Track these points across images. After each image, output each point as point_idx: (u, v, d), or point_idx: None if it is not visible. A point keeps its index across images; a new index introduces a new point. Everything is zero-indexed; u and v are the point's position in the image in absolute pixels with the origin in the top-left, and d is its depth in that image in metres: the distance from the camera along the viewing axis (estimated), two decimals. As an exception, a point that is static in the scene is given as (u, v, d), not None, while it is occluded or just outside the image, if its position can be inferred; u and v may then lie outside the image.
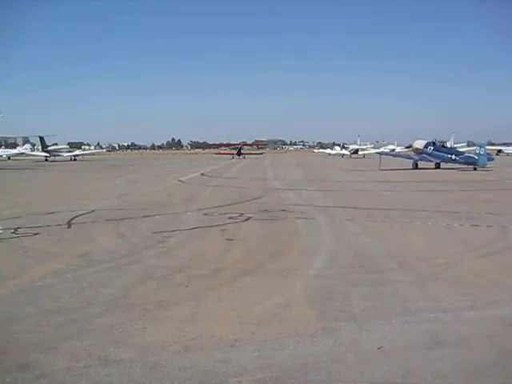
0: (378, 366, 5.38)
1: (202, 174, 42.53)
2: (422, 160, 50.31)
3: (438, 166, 49.53)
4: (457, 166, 47.60)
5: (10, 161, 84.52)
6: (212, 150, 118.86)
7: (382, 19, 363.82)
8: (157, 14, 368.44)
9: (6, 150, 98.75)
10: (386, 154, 66.32)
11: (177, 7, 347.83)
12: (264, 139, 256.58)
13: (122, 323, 6.68)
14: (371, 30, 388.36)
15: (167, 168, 55.24)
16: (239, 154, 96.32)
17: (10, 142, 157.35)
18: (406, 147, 70.74)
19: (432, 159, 50.21)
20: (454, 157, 49.06)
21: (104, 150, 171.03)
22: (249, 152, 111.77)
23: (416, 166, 49.31)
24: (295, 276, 9.03)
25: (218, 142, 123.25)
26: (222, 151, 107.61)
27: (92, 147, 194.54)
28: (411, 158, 51.87)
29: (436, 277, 8.90)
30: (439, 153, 50.37)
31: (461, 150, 58.31)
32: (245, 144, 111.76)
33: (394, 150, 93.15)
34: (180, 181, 34.77)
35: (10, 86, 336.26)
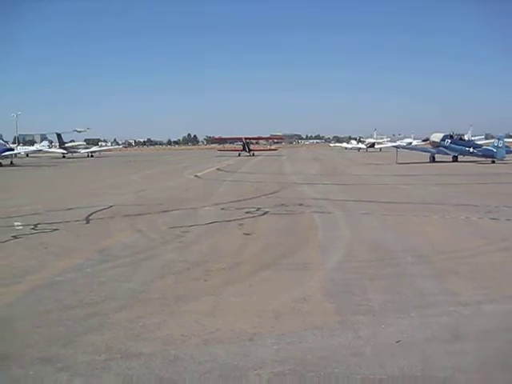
0: (397, 360, 5.37)
1: (219, 169, 42.63)
2: (439, 153, 49.98)
3: (455, 159, 49.15)
4: (475, 158, 47.17)
5: (28, 158, 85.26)
6: (227, 146, 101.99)
7: (399, 17, 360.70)
8: (173, 13, 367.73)
9: (24, 147, 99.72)
10: (403, 147, 65.83)
11: (197, 6, 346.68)
12: (280, 133, 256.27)
13: (142, 317, 6.74)
14: (390, 28, 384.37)
15: (183, 163, 55.36)
16: (248, 150, 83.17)
17: (27, 139, 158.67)
18: (423, 140, 70.24)
19: (449, 152, 49.86)
20: (471, 150, 48.64)
21: (120, 147, 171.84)
22: (259, 148, 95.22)
23: (433, 160, 48.97)
24: (313, 270, 9.04)
25: (234, 137, 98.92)
26: (226, 147, 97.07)
27: (109, 143, 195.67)
28: (428, 152, 51.54)
29: (455, 270, 8.85)
30: (457, 146, 49.98)
31: (479, 142, 57.84)
32: (253, 138, 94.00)
33: (410, 143, 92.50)
34: (196, 176, 34.89)
35: (28, 83, 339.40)
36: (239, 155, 77.80)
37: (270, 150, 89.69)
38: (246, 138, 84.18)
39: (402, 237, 11.94)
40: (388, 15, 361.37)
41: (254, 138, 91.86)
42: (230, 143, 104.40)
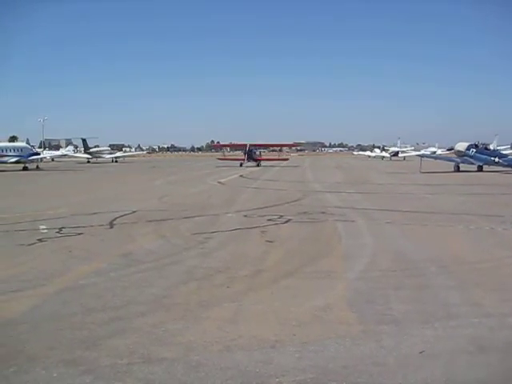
0: (420, 371, 5.33)
1: (241, 176, 42.70)
2: (463, 163, 49.54)
3: (480, 169, 48.64)
4: (500, 168, 46.65)
5: (53, 162, 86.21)
6: (228, 155, 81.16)
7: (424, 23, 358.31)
8: (197, 15, 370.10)
9: (49, 151, 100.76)
10: (427, 156, 65.56)
11: (227, 7, 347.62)
12: (303, 141, 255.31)
13: (164, 322, 6.78)
14: (417, 36, 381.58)
15: (206, 169, 55.52)
16: (253, 159, 67.66)
17: (53, 144, 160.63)
18: (448, 150, 69.91)
19: (474, 162, 49.39)
20: (497, 159, 48.13)
21: (144, 152, 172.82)
22: (267, 158, 77.01)
23: (458, 169, 48.56)
24: (335, 278, 9.01)
25: (236, 143, 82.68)
26: (227, 155, 79.12)
27: (133, 149, 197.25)
28: (453, 161, 51.15)
29: (478, 281, 8.76)
30: (482, 155, 49.51)
31: (504, 152, 57.19)
32: (259, 145, 77.14)
33: (434, 152, 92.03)
34: (219, 182, 35.01)
35: (53, 88, 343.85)
36: (241, 165, 63.77)
37: (280, 159, 72.15)
38: (250, 145, 68.84)
39: (425, 247, 11.85)
40: (414, 22, 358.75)
41: (260, 145, 77.25)
42: (232, 150, 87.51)
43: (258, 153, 71.97)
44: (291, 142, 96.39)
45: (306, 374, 5.22)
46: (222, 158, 75.34)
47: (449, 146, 69.55)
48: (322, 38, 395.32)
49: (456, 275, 9.19)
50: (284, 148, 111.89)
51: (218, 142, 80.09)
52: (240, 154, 71.28)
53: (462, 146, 52.43)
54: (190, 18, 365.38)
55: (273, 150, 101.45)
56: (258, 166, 65.50)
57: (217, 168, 57.13)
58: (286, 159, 76.99)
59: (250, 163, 65.63)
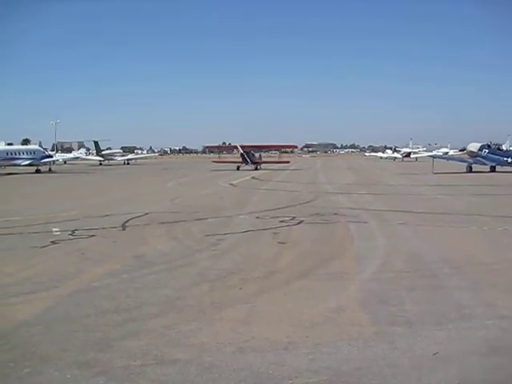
0: (434, 373, 5.30)
1: (253, 178, 42.73)
2: (476, 163, 49.26)
3: (493, 170, 48.34)
4: (513, 169, 46.37)
5: (65, 165, 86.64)
6: (224, 157, 77.41)
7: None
8: (202, 17, 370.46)
9: (62, 154, 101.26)
10: (439, 157, 65.29)
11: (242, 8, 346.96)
12: (315, 143, 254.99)
13: (177, 324, 6.79)
14: (428, 37, 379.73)
15: (218, 171, 55.54)
16: (251, 162, 62.82)
17: (65, 146, 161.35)
18: (460, 150, 69.55)
19: (487, 162, 49.11)
20: (510, 160, 47.82)
21: (156, 154, 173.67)
22: (268, 160, 71.49)
23: (470, 170, 48.27)
24: (348, 280, 8.99)
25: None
26: (222, 158, 74.55)
27: (144, 151, 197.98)
28: (465, 162, 50.86)
29: (492, 283, 8.71)
30: (494, 156, 49.22)
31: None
32: (257, 146, 70.62)
33: (447, 153, 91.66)
34: (231, 184, 35.04)
35: (65, 89, 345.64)
36: (238, 168, 60.39)
37: (280, 162, 67.97)
38: (247, 147, 64.75)
39: (438, 247, 11.79)
40: (427, 24, 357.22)
41: (258, 147, 70.92)
42: (228, 152, 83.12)
43: (256, 155, 66.89)
44: (292, 143, 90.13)
45: (319, 376, 5.21)
46: (217, 160, 71.52)
47: (461, 147, 69.19)
48: (343, 37, 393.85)
49: (469, 276, 9.15)
50: (295, 150, 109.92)
51: (230, 144, 71.00)
52: (238, 157, 66.37)
53: (474, 147, 52.16)
54: (205, 17, 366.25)
55: (284, 152, 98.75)
56: (256, 169, 60.32)
57: (228, 170, 56.80)
58: (287, 162, 70.95)
59: (248, 166, 61.62)
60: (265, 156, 78.49)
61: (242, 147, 64.55)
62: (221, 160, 71.25)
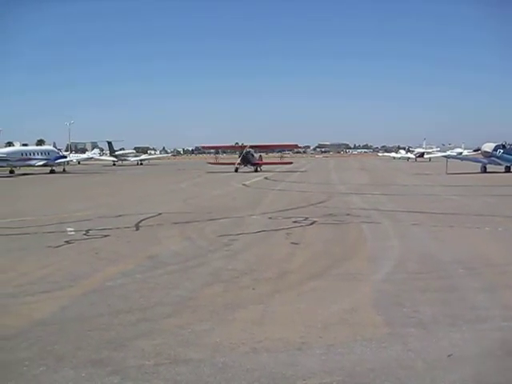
0: (448, 374, 5.27)
1: (266, 178, 42.72)
2: (490, 163, 48.78)
3: (508, 170, 47.84)
4: (529, 169, 45.99)
5: (79, 165, 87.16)
6: (220, 158, 72.43)
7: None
8: (222, 16, 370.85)
9: (75, 154, 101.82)
10: (453, 157, 64.83)
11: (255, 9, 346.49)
12: (327, 143, 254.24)
13: (191, 324, 6.81)
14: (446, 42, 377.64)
15: (230, 172, 55.49)
16: (251, 163, 58.82)
17: (79, 147, 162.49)
18: (474, 150, 68.92)
19: (502, 162, 48.63)
20: (525, 160, 47.40)
21: (169, 155, 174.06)
22: (269, 161, 66.64)
23: (485, 170, 47.84)
24: (361, 281, 8.96)
25: (227, 145, 75.70)
26: (218, 159, 69.13)
27: (158, 152, 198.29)
28: (480, 162, 50.40)
29: (507, 284, 8.64)
30: (509, 156, 48.72)
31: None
32: (257, 146, 65.11)
33: (461, 153, 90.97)
34: (244, 184, 35.07)
35: (79, 91, 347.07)
36: (236, 171, 56.34)
37: (282, 163, 63.94)
38: (247, 147, 60.37)
39: (452, 248, 11.72)
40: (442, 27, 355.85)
41: (258, 147, 65.51)
42: (223, 153, 75.65)
43: (256, 156, 62.39)
44: (293, 143, 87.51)
45: (332, 377, 5.20)
46: (213, 162, 66.37)
47: (475, 147, 68.60)
48: (356, 38, 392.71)
49: (484, 277, 9.08)
50: (308, 150, 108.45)
51: (243, 144, 65.40)
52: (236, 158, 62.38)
53: (488, 147, 51.68)
54: (217, 17, 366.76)
55: (297, 152, 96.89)
56: (255, 171, 56.68)
57: (240, 171, 56.13)
58: (290, 163, 67.03)
59: (246, 168, 57.62)
60: (270, 157, 76.11)
61: (241, 147, 62.01)
62: (217, 162, 66.16)
